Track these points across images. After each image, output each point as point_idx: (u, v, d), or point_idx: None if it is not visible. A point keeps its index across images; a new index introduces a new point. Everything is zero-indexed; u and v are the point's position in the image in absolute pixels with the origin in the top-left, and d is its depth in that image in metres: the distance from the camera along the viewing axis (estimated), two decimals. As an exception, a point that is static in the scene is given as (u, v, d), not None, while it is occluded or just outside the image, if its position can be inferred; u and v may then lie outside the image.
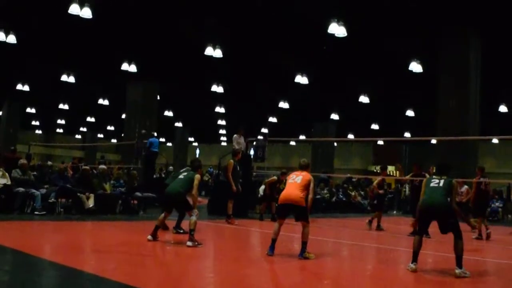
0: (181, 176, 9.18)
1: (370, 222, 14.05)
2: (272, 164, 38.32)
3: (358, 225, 16.35)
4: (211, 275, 6.80)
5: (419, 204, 7.45)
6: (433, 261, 8.71)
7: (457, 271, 6.91)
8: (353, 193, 24.23)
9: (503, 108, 25.84)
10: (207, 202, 16.01)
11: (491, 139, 33.24)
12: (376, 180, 14.84)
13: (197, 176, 9.05)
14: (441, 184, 7.34)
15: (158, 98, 27.65)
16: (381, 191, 14.43)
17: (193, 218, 8.57)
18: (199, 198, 10.08)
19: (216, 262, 7.88)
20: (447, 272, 7.20)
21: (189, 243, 8.36)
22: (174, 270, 6.96)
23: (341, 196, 23.43)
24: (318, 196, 21.05)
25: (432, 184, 7.43)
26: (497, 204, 22.78)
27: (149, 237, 8.73)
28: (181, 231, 10.04)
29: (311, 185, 8.11)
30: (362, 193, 25.17)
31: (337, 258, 9.13)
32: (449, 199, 7.27)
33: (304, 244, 7.92)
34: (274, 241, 7.95)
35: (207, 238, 10.03)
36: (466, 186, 15.15)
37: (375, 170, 46.06)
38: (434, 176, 7.74)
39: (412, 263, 7.18)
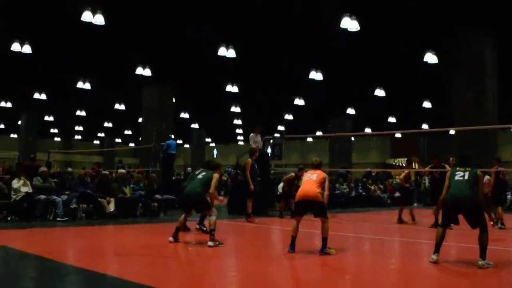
0: (199, 176, 9.20)
1: (412, 217, 13.99)
2: (289, 161, 38.26)
3: (378, 219, 16.31)
4: (233, 274, 6.83)
5: (445, 197, 7.40)
6: (456, 252, 8.65)
7: (481, 262, 6.87)
8: (372, 187, 24.12)
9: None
10: (227, 201, 16.06)
11: (510, 128, 32.85)
12: (403, 173, 14.83)
13: (216, 175, 9.13)
14: (466, 177, 7.28)
15: (174, 100, 27.77)
16: (407, 185, 14.42)
17: (213, 217, 8.65)
18: (220, 197, 10.16)
19: (238, 261, 7.91)
20: (470, 263, 7.15)
21: (210, 243, 8.42)
22: (197, 271, 7.00)
23: (361, 191, 23.34)
24: (337, 191, 21.03)
25: (457, 177, 7.36)
26: (517, 193, 22.47)
27: (171, 238, 8.81)
28: (204, 228, 10.09)
29: (326, 182, 8.28)
30: (382, 186, 25.05)
31: (358, 253, 9.11)
32: (475, 192, 7.19)
33: (324, 240, 7.95)
34: (294, 238, 8.00)
35: (228, 237, 10.07)
36: (487, 177, 15.07)
37: (393, 163, 45.82)
38: (458, 168, 7.62)
39: (434, 254, 7.17)
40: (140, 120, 30.56)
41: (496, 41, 18.63)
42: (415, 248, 9.68)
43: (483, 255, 6.92)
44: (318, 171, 8.39)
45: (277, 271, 6.98)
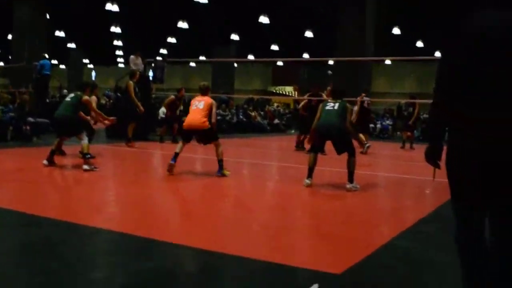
0: (67, 99, 8.80)
1: (302, 144, 14.25)
2: (171, 85, 37.67)
3: (258, 144, 16.75)
4: (111, 198, 6.73)
5: (315, 125, 7.83)
6: (328, 176, 9.15)
7: (348, 185, 7.44)
8: (253, 114, 24.60)
9: (396, 31, 26.86)
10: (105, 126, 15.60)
11: (384, 61, 34.71)
12: (302, 102, 14.94)
13: (85, 97, 8.66)
14: (336, 107, 7.72)
15: (48, 16, 25.92)
16: (305, 113, 14.64)
17: (84, 141, 8.40)
18: (110, 118, 9.79)
19: (116, 185, 7.80)
20: (340, 187, 7.64)
21: (85, 167, 8.19)
22: (74, 195, 6.83)
23: (242, 117, 23.72)
24: (219, 117, 21.21)
25: (327, 108, 7.79)
26: (387, 122, 24.09)
27: (45, 161, 8.46)
28: (88, 156, 9.62)
29: (213, 109, 8.43)
30: (262, 113, 25.63)
31: (239, 177, 9.34)
32: (343, 121, 7.65)
33: (220, 162, 8.33)
34: (177, 154, 8.17)
35: (106, 162, 9.88)
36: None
37: (274, 91, 46.91)
38: (329, 100, 8.12)
39: (307, 178, 7.60)
40: (9, 36, 28.29)
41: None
42: (292, 173, 10.11)
43: (350, 179, 7.48)
44: (206, 98, 8.51)
45: (157, 193, 7.00)
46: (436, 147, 2.93)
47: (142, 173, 9.23)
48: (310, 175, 7.65)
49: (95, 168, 8.33)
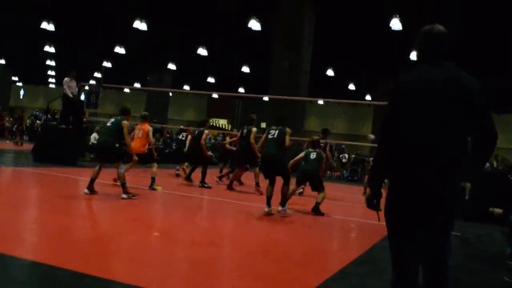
0: None
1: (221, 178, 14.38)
2: (105, 111, 37.01)
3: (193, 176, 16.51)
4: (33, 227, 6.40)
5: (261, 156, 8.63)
6: (260, 212, 9.14)
7: (279, 208, 8.13)
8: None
9: (330, 72, 27.69)
10: (32, 148, 15.01)
11: (317, 101, 35.59)
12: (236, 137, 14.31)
13: None
14: (275, 135, 8.11)
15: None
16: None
17: None
18: None
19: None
20: (274, 221, 7.63)
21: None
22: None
23: (174, 147, 23.43)
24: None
25: (270, 136, 8.24)
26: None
27: (86, 190, 8.52)
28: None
29: (150, 134, 10.34)
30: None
31: (170, 210, 9.14)
32: (280, 149, 8.11)
33: (153, 179, 10.55)
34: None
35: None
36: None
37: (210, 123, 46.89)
38: (272, 127, 8.39)
39: (266, 207, 8.20)
40: None
41: (314, 16, 19.89)
42: (224, 208, 10.00)
43: (283, 203, 8.11)
44: (144, 126, 10.37)
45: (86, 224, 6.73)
46: (378, 195, 3.00)
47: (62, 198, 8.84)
48: (268, 203, 8.10)
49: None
